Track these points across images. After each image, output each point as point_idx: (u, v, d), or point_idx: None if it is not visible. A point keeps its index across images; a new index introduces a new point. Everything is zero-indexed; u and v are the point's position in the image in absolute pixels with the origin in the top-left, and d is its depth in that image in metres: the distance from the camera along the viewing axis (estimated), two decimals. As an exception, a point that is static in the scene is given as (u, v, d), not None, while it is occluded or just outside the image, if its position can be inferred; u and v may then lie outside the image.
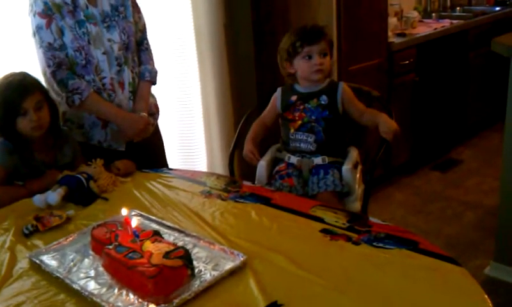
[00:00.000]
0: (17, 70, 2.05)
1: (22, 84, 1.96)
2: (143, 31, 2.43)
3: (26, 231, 1.66)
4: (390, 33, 3.65)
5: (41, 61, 2.16)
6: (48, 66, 2.13)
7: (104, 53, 2.20)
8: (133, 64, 2.33)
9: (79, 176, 1.91)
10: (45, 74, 2.15)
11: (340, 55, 3.16)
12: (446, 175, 3.98)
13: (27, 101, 1.93)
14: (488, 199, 3.46)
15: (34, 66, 2.20)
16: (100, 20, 2.21)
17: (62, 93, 2.15)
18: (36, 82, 2.03)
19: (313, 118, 2.10)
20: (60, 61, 2.14)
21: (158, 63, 2.49)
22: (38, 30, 2.13)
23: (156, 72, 2.43)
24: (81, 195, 1.86)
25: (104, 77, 2.22)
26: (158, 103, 2.52)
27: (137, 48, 2.40)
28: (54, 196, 1.82)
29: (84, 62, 2.17)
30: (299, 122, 2.12)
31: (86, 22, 2.17)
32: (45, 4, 2.11)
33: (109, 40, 2.22)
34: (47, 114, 2.00)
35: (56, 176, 1.93)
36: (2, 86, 1.96)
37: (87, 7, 2.18)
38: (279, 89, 2.23)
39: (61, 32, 2.14)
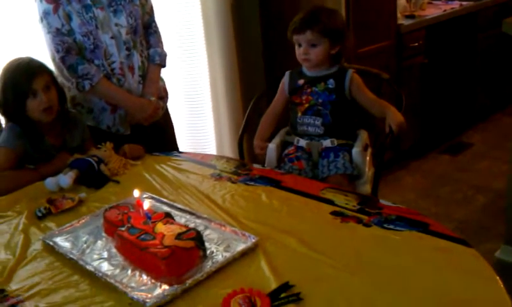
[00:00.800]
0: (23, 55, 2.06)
1: (30, 66, 1.98)
2: (151, 13, 2.41)
3: (39, 214, 1.67)
4: (399, 15, 3.62)
5: (49, 47, 2.16)
6: (57, 51, 2.13)
7: (112, 37, 2.20)
8: (141, 47, 2.33)
9: (89, 159, 1.93)
10: (54, 60, 2.15)
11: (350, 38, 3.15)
12: (456, 158, 3.97)
13: (36, 81, 1.95)
14: (498, 183, 3.44)
15: (40, 52, 2.19)
16: (106, 4, 2.19)
17: (72, 78, 2.16)
18: (43, 64, 2.04)
19: (319, 101, 2.10)
20: (69, 46, 2.13)
21: (166, 47, 2.48)
22: (45, 15, 2.12)
23: (165, 55, 2.43)
24: (93, 178, 1.88)
25: (113, 62, 2.22)
26: (167, 86, 2.52)
27: (146, 31, 2.39)
28: (65, 179, 1.83)
29: (92, 47, 2.17)
30: (306, 105, 2.12)
31: (92, 7, 2.16)
32: None
33: (117, 25, 2.21)
34: (55, 96, 2.02)
35: (66, 159, 1.95)
36: (10, 68, 1.98)
37: None
38: (286, 73, 2.23)
39: (69, 18, 2.13)
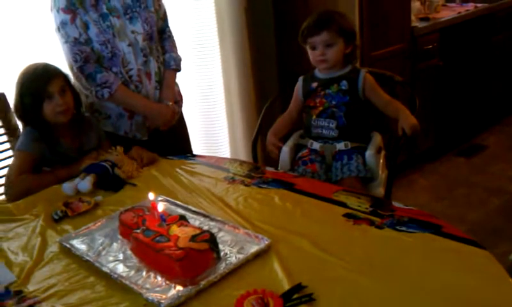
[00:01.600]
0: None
1: (46, 70, 2.02)
2: (164, 18, 2.43)
3: (56, 217, 1.70)
4: (413, 17, 3.62)
5: (67, 56, 2.17)
6: (76, 61, 2.14)
7: (129, 45, 2.22)
8: (157, 53, 2.35)
9: (103, 163, 1.95)
10: (71, 69, 2.17)
11: (362, 40, 3.15)
12: (470, 161, 3.95)
13: (52, 84, 1.98)
14: (513, 185, 3.43)
15: (55, 59, 2.21)
16: (122, 12, 2.21)
17: (91, 87, 2.18)
18: (58, 68, 2.08)
19: (333, 103, 2.11)
20: (87, 55, 2.15)
21: (180, 51, 2.50)
22: (62, 25, 2.13)
23: (180, 59, 2.45)
24: (109, 181, 1.90)
25: (131, 69, 2.24)
26: (181, 90, 2.55)
27: (160, 36, 2.41)
28: (85, 183, 1.86)
29: (110, 55, 2.19)
30: (320, 108, 2.13)
31: (109, 15, 2.18)
32: None
33: (133, 32, 2.23)
34: (71, 99, 2.06)
35: (85, 163, 1.98)
36: (27, 73, 2.02)
37: (109, 0, 2.19)
38: (300, 78, 2.25)
39: (86, 27, 2.15)
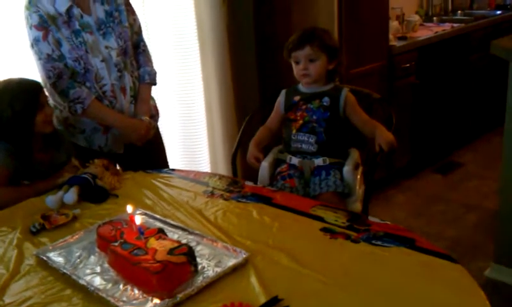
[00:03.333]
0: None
1: (33, 81, 2.05)
2: (139, 32, 2.44)
3: (33, 229, 1.69)
4: (391, 36, 3.68)
5: (41, 73, 2.17)
6: (49, 77, 2.15)
7: (102, 60, 2.22)
8: (132, 68, 2.35)
9: (85, 176, 1.95)
10: (45, 85, 2.16)
11: (341, 58, 3.19)
12: (447, 178, 4.01)
13: (42, 95, 2.00)
14: (489, 202, 3.48)
15: (34, 75, 2.21)
16: (95, 28, 2.22)
17: (64, 102, 2.18)
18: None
19: (314, 117, 2.14)
20: (60, 71, 2.15)
21: (160, 64, 2.50)
22: (35, 42, 2.14)
23: (155, 73, 2.45)
24: (93, 193, 1.91)
25: (105, 85, 2.24)
26: (159, 104, 2.55)
27: (135, 51, 2.41)
28: (70, 195, 1.86)
29: (83, 71, 2.19)
30: (301, 122, 2.15)
31: (82, 32, 2.18)
32: (40, 16, 2.11)
33: (107, 47, 2.23)
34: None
35: (63, 176, 1.97)
36: (21, 82, 2.02)
37: (81, 17, 2.18)
38: (283, 92, 2.27)
39: (59, 44, 2.15)
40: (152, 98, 2.49)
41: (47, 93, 2.14)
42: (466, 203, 3.57)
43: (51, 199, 1.85)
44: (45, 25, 2.13)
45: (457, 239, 3.14)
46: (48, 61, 2.14)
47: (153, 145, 2.46)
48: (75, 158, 2.08)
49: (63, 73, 2.16)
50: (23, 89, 2.00)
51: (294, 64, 2.17)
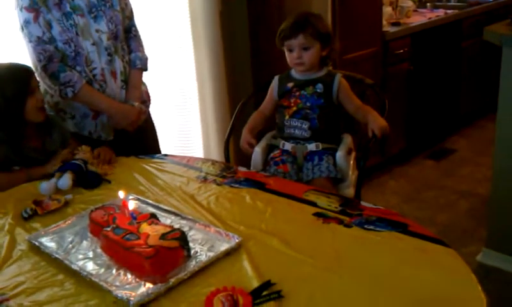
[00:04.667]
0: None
1: (23, 66, 2.02)
2: (131, 17, 2.42)
3: (25, 215, 1.69)
4: (384, 22, 3.67)
5: (31, 56, 2.15)
6: (39, 60, 2.13)
7: (93, 44, 2.20)
8: (123, 53, 2.33)
9: (76, 161, 1.94)
10: (36, 68, 2.14)
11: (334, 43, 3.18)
12: (440, 164, 4.02)
13: (33, 79, 1.98)
14: (482, 188, 3.49)
15: (25, 59, 2.19)
16: (86, 11, 2.20)
17: (54, 86, 2.16)
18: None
19: (307, 104, 2.13)
20: (50, 54, 2.13)
21: (153, 51, 2.49)
22: (26, 24, 2.11)
23: (147, 58, 2.44)
24: (87, 179, 1.90)
25: (95, 68, 2.22)
26: (151, 90, 2.53)
27: (126, 35, 2.39)
28: (64, 180, 1.85)
29: (73, 54, 2.17)
30: (294, 108, 2.15)
31: (72, 14, 2.16)
32: None
33: (97, 31, 2.21)
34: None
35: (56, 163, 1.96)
36: (10, 67, 2.00)
37: None
38: (276, 78, 2.26)
39: (49, 26, 2.13)
40: (144, 84, 2.47)
41: (38, 78, 2.13)
42: (458, 189, 3.59)
43: (45, 186, 1.83)
44: (35, 7, 2.11)
45: (449, 224, 3.15)
46: (39, 44, 2.12)
47: (144, 131, 2.45)
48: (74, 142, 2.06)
49: (53, 56, 2.14)
50: (13, 74, 1.97)
51: (287, 52, 2.16)
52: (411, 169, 3.94)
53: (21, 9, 2.12)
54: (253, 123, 2.23)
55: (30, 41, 2.13)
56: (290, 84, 2.19)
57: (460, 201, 3.43)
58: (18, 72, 1.98)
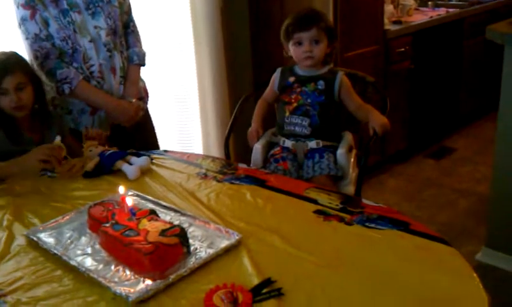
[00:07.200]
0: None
1: (3, 63, 1.98)
2: (129, 12, 2.41)
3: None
4: (386, 20, 3.66)
5: (28, 53, 2.15)
6: (36, 57, 2.13)
7: (90, 41, 2.19)
8: (122, 48, 2.33)
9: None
10: (32, 66, 2.14)
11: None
12: (440, 163, 4.01)
13: (7, 81, 1.96)
14: (481, 187, 3.49)
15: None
16: (83, 8, 2.19)
17: (51, 83, 2.16)
18: (21, 63, 2.04)
19: (308, 101, 2.12)
20: (47, 51, 2.13)
21: (154, 47, 2.48)
22: (23, 22, 2.11)
23: (144, 54, 2.43)
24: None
25: (92, 65, 2.21)
26: (152, 87, 2.53)
27: (124, 31, 2.38)
28: (133, 171, 1.89)
29: (71, 51, 2.17)
30: (295, 104, 2.14)
31: (69, 11, 2.15)
32: None
33: (96, 27, 2.20)
34: (29, 96, 2.02)
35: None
36: None
37: None
38: (278, 70, 2.25)
39: (46, 23, 2.12)
40: (141, 80, 2.47)
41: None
42: (458, 188, 3.58)
43: (131, 170, 1.87)
44: (32, 4, 2.10)
45: (448, 223, 3.15)
46: (36, 41, 2.12)
47: (141, 127, 2.44)
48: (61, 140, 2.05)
49: (50, 53, 2.13)
50: None
51: (293, 47, 2.13)
52: (411, 167, 3.94)
53: (18, 7, 2.12)
54: (261, 109, 2.24)
55: (27, 38, 2.13)
56: (291, 79, 2.18)
57: (460, 200, 3.43)
58: None
